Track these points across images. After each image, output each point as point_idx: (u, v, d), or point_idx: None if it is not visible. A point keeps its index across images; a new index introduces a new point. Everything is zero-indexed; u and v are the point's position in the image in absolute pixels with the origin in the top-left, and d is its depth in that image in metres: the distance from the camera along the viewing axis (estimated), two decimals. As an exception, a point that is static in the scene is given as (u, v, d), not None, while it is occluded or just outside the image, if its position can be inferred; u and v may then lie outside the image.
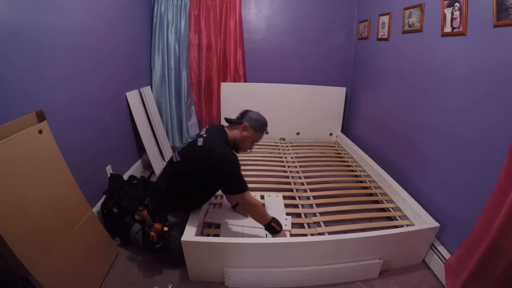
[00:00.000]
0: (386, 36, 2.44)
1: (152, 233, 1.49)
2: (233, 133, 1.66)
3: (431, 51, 1.85)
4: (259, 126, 1.68)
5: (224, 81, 3.20)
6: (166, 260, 1.66)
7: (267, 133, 2.96)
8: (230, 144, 1.63)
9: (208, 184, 1.62)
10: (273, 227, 1.57)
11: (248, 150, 1.75)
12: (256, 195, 2.00)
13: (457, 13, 1.57)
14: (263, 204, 1.83)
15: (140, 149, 2.93)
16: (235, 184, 1.53)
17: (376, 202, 2.09)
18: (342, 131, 3.37)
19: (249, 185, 1.77)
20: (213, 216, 1.75)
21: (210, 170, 1.51)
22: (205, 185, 1.62)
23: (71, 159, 1.53)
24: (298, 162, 2.67)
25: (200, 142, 1.54)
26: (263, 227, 1.61)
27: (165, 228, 1.52)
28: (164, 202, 1.65)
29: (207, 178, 1.55)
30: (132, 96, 2.63)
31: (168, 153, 3.11)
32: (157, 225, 1.51)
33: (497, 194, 1.20)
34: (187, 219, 1.61)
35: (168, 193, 1.64)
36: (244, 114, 1.71)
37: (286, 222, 1.70)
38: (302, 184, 2.26)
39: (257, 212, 1.57)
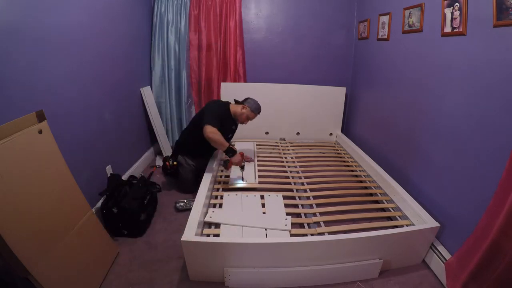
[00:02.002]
0: (386, 36, 2.44)
1: (167, 163, 2.43)
2: (235, 108, 2.34)
3: (431, 51, 1.85)
4: (254, 108, 2.33)
5: (224, 81, 3.20)
6: (178, 186, 2.52)
7: (266, 133, 3.04)
8: (231, 112, 2.33)
9: (201, 121, 2.13)
10: (231, 149, 2.13)
11: (244, 123, 2.40)
12: (256, 195, 2.01)
13: (457, 13, 1.57)
14: (263, 206, 1.90)
15: (141, 149, 2.94)
16: (206, 118, 2.10)
17: (376, 202, 2.09)
18: (342, 131, 3.37)
19: (249, 185, 2.19)
20: (213, 216, 1.76)
21: (203, 109, 2.28)
22: (199, 123, 2.16)
23: (71, 159, 1.53)
24: (298, 162, 2.67)
25: None
26: (263, 227, 1.65)
27: (175, 163, 2.40)
28: (178, 148, 2.48)
29: (200, 116, 2.20)
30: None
31: (168, 153, 3.11)
32: (167, 163, 2.41)
33: (499, 195, 1.20)
34: (192, 164, 2.41)
35: (179, 142, 2.52)
36: (246, 99, 2.38)
37: (286, 222, 1.70)
38: (302, 184, 2.26)
39: (216, 141, 2.04)
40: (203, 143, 2.12)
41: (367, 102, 2.95)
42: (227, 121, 2.31)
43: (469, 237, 1.36)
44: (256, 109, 2.33)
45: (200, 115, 2.24)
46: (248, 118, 2.33)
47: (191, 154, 2.42)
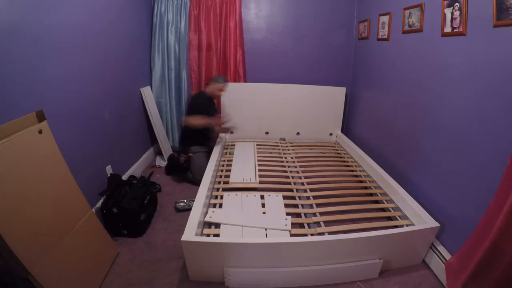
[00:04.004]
0: (386, 36, 2.44)
1: (181, 158, 2.78)
2: (207, 88, 2.74)
3: (431, 51, 1.85)
4: (216, 78, 2.73)
5: (224, 81, 3.20)
6: (192, 178, 2.68)
7: (266, 133, 3.07)
8: (208, 94, 2.72)
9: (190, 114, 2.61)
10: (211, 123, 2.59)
11: (222, 95, 2.80)
12: (256, 195, 2.01)
13: (457, 13, 1.57)
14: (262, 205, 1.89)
15: (141, 149, 2.94)
16: (187, 110, 2.70)
17: (376, 202, 2.09)
18: (342, 131, 3.37)
19: (249, 185, 2.20)
20: (213, 216, 1.75)
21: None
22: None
23: (71, 159, 1.53)
24: (298, 162, 2.67)
25: None
26: (263, 227, 1.65)
27: (190, 155, 2.71)
28: (186, 142, 2.81)
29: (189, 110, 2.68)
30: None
31: (168, 153, 3.11)
32: (182, 158, 2.77)
33: (499, 195, 1.20)
34: (204, 149, 2.76)
35: (184, 136, 2.85)
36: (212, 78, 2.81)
37: (286, 222, 1.70)
38: (302, 184, 2.26)
39: (195, 124, 2.53)
40: (202, 129, 2.59)
41: (367, 102, 2.95)
42: (208, 105, 2.71)
43: (469, 238, 1.36)
44: (217, 78, 2.71)
45: (187, 110, 2.72)
46: (219, 89, 2.69)
47: (199, 142, 2.75)
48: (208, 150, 2.78)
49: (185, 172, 2.73)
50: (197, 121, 2.51)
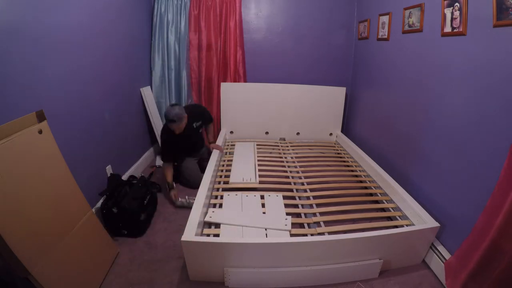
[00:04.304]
0: (386, 36, 2.44)
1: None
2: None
3: (431, 51, 1.85)
4: (174, 113, 2.20)
5: (224, 81, 3.20)
6: (186, 183, 2.59)
7: (266, 133, 3.05)
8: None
9: None
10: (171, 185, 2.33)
11: (181, 132, 2.31)
12: (256, 195, 2.01)
13: (457, 13, 1.57)
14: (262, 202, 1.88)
15: (141, 149, 2.94)
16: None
17: (376, 202, 2.09)
18: (342, 131, 3.37)
19: (249, 185, 2.20)
20: (213, 216, 1.75)
21: None
22: None
23: (71, 159, 1.53)
24: (298, 162, 2.67)
25: None
26: (263, 227, 1.66)
27: (175, 163, 2.52)
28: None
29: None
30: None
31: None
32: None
33: (497, 194, 1.20)
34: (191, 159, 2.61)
35: None
36: None
37: (286, 222, 1.70)
38: (302, 184, 2.26)
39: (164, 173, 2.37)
40: (183, 150, 2.47)
41: (367, 102, 2.95)
42: (179, 138, 2.34)
43: (468, 237, 1.36)
44: (166, 119, 2.23)
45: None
46: (175, 128, 2.25)
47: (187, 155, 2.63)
48: (197, 159, 2.71)
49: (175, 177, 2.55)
50: (165, 174, 2.35)
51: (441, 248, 1.64)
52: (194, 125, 2.51)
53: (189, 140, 2.51)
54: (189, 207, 2.08)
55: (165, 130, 2.36)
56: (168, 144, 2.37)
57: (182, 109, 2.27)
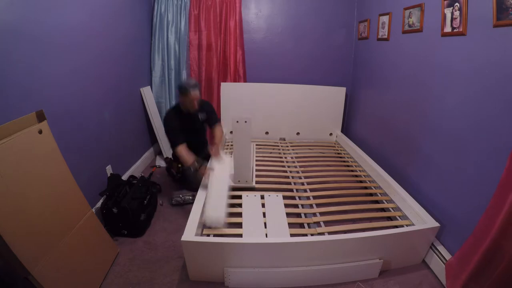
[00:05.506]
0: (386, 36, 2.44)
1: (172, 169, 2.51)
2: (180, 100, 2.32)
3: (431, 51, 1.85)
4: (180, 89, 2.23)
5: (224, 81, 3.20)
6: (188, 185, 2.41)
7: (266, 133, 2.97)
8: (181, 107, 2.32)
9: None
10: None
11: (195, 107, 2.27)
12: (256, 195, 2.01)
13: (457, 13, 1.57)
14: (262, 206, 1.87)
15: (141, 149, 2.94)
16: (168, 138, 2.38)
17: (376, 202, 2.09)
18: (342, 131, 3.37)
19: (246, 186, 2.12)
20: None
21: None
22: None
23: (71, 159, 1.53)
24: (298, 162, 2.67)
25: None
26: (263, 228, 1.66)
27: (179, 165, 2.43)
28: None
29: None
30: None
31: (169, 153, 3.11)
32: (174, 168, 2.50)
33: (498, 195, 1.20)
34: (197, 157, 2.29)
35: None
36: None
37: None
38: (302, 184, 2.26)
39: (181, 157, 2.18)
40: (185, 132, 2.28)
41: (367, 102, 2.95)
42: (183, 120, 2.30)
43: (469, 238, 1.36)
44: (180, 89, 2.22)
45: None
46: (188, 101, 2.21)
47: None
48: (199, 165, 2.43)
49: (179, 182, 2.51)
50: (184, 157, 2.15)
51: (441, 248, 1.64)
52: (200, 116, 2.46)
53: (193, 124, 2.42)
54: (183, 203, 2.08)
55: (169, 113, 2.33)
56: (174, 123, 2.25)
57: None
